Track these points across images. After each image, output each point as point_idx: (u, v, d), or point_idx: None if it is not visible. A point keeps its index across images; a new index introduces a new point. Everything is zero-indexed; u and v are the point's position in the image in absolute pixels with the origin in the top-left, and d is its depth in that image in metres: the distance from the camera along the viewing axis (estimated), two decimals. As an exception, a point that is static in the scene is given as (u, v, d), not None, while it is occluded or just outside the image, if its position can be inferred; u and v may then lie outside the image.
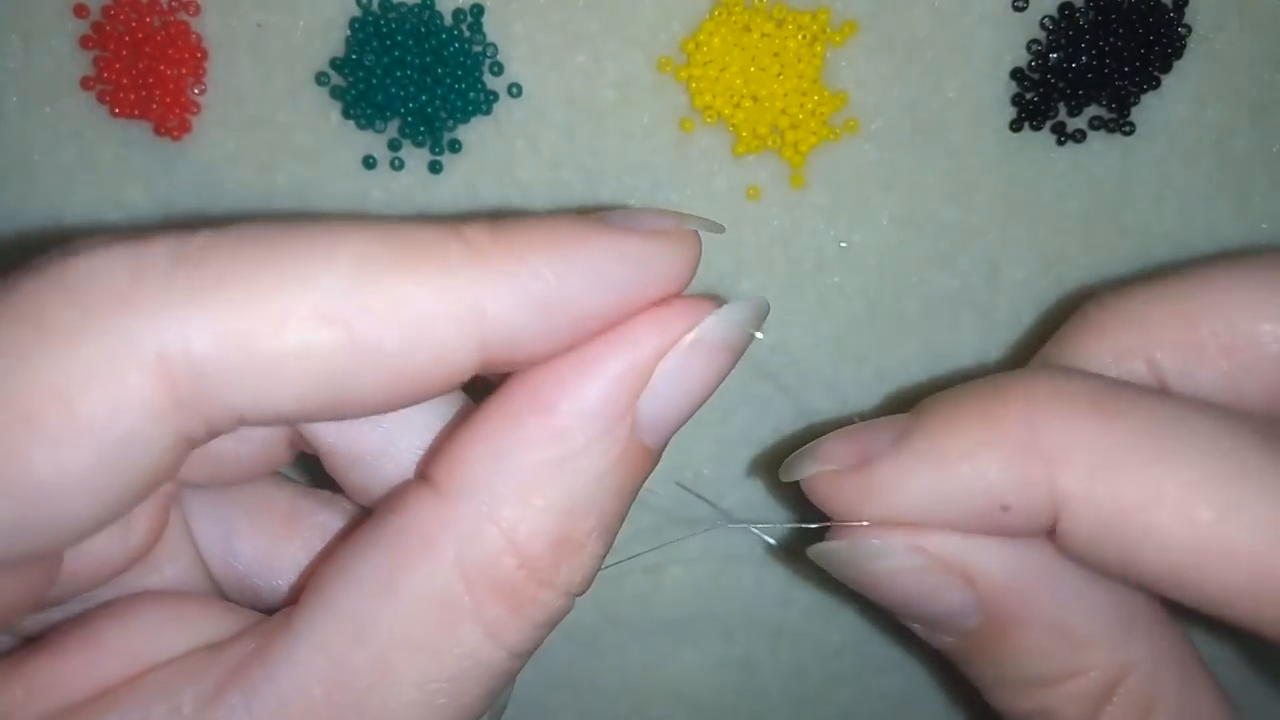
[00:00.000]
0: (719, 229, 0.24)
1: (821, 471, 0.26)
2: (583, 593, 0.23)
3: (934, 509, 0.24)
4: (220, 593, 0.25)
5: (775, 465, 0.36)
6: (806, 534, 0.28)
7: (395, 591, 0.21)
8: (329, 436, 0.24)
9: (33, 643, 0.21)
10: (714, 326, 0.23)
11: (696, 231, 0.23)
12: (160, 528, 0.23)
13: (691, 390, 0.22)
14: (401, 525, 0.21)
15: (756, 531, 0.36)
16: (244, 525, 0.26)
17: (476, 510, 0.21)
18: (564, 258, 0.20)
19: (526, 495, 0.21)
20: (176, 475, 0.20)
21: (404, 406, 0.20)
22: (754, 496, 0.36)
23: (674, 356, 0.22)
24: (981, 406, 0.24)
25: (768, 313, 0.24)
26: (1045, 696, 0.25)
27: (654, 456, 0.23)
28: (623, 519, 0.23)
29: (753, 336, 0.24)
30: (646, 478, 0.23)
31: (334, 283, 0.18)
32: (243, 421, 0.19)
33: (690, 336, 0.22)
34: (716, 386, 0.23)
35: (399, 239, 0.19)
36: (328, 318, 0.18)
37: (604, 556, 0.23)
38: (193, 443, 0.19)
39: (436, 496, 0.21)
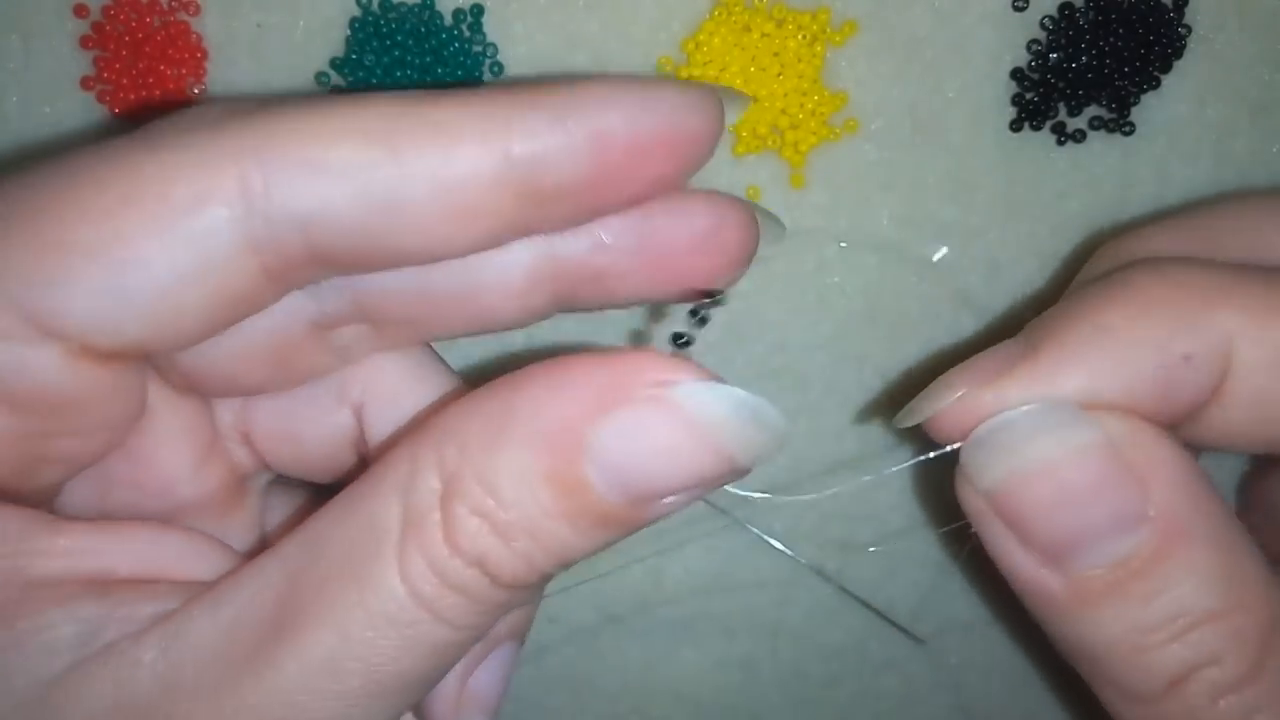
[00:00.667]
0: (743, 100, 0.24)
1: (955, 400, 0.23)
2: (509, 597, 0.22)
3: (1102, 384, 0.22)
4: None
5: (775, 465, 0.36)
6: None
7: (333, 533, 0.21)
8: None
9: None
10: (690, 393, 0.21)
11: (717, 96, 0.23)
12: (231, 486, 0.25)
13: (648, 454, 0.21)
14: (357, 487, 0.22)
15: (756, 531, 0.36)
16: None
17: (428, 464, 0.21)
18: (591, 97, 0.21)
19: (478, 475, 0.21)
20: (260, 304, 0.22)
21: (448, 252, 0.21)
22: (754, 496, 0.36)
23: (631, 406, 0.21)
24: (1131, 289, 0.23)
25: (779, 435, 0.22)
26: (1204, 638, 0.22)
27: (608, 510, 0.21)
28: (568, 554, 0.22)
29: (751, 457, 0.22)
30: (606, 532, 0.22)
31: (377, 112, 0.21)
32: (312, 247, 0.21)
33: (654, 391, 0.21)
34: (691, 477, 0.21)
35: (436, 93, 0.22)
36: (372, 136, 0.21)
37: (534, 579, 0.22)
38: (267, 269, 0.21)
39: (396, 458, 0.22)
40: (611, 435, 0.21)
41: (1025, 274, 0.35)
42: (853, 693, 0.38)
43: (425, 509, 0.21)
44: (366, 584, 0.21)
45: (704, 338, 0.35)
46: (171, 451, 0.25)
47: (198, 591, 0.22)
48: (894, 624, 0.37)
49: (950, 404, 0.23)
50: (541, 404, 0.21)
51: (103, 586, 0.22)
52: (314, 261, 0.22)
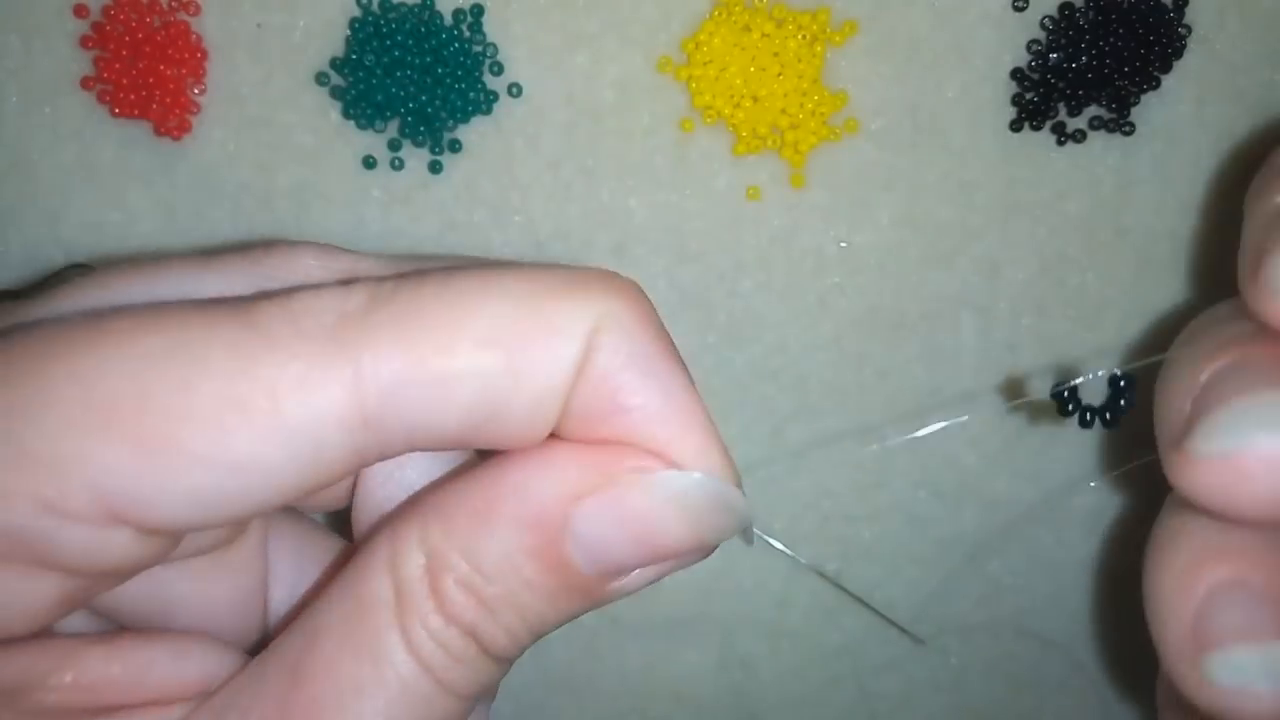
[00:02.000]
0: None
1: None
2: (497, 669, 0.22)
3: None
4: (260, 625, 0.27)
5: (775, 465, 0.36)
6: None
7: (327, 620, 0.22)
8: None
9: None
10: (668, 477, 0.22)
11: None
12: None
13: (627, 532, 0.21)
14: (345, 573, 0.22)
15: (756, 531, 0.36)
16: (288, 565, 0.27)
17: (410, 541, 0.22)
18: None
19: (462, 550, 0.21)
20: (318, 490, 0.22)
21: (541, 434, 0.22)
22: (754, 496, 0.36)
23: (613, 487, 0.21)
24: None
25: (744, 518, 0.23)
26: None
27: (585, 585, 0.22)
28: (544, 627, 0.22)
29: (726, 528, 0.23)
30: (579, 605, 0.22)
31: (496, 312, 0.20)
32: (412, 444, 0.21)
33: (634, 474, 0.21)
34: (665, 554, 0.22)
35: (552, 276, 0.21)
36: (489, 342, 0.20)
37: (515, 651, 0.22)
38: (363, 461, 0.21)
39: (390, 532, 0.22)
40: (594, 513, 0.21)
41: (1025, 274, 0.35)
42: (853, 693, 0.38)
43: (414, 582, 0.21)
44: (375, 659, 0.21)
45: (704, 339, 0.35)
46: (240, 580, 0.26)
47: (200, 701, 0.22)
48: (894, 624, 0.37)
49: None
50: (526, 484, 0.22)
51: (108, 715, 0.21)
52: (409, 448, 0.22)
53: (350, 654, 0.21)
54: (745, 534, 0.24)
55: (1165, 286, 0.35)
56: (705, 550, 0.23)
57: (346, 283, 0.21)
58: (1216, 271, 0.35)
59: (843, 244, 0.35)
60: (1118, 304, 0.35)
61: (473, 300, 0.20)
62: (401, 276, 0.21)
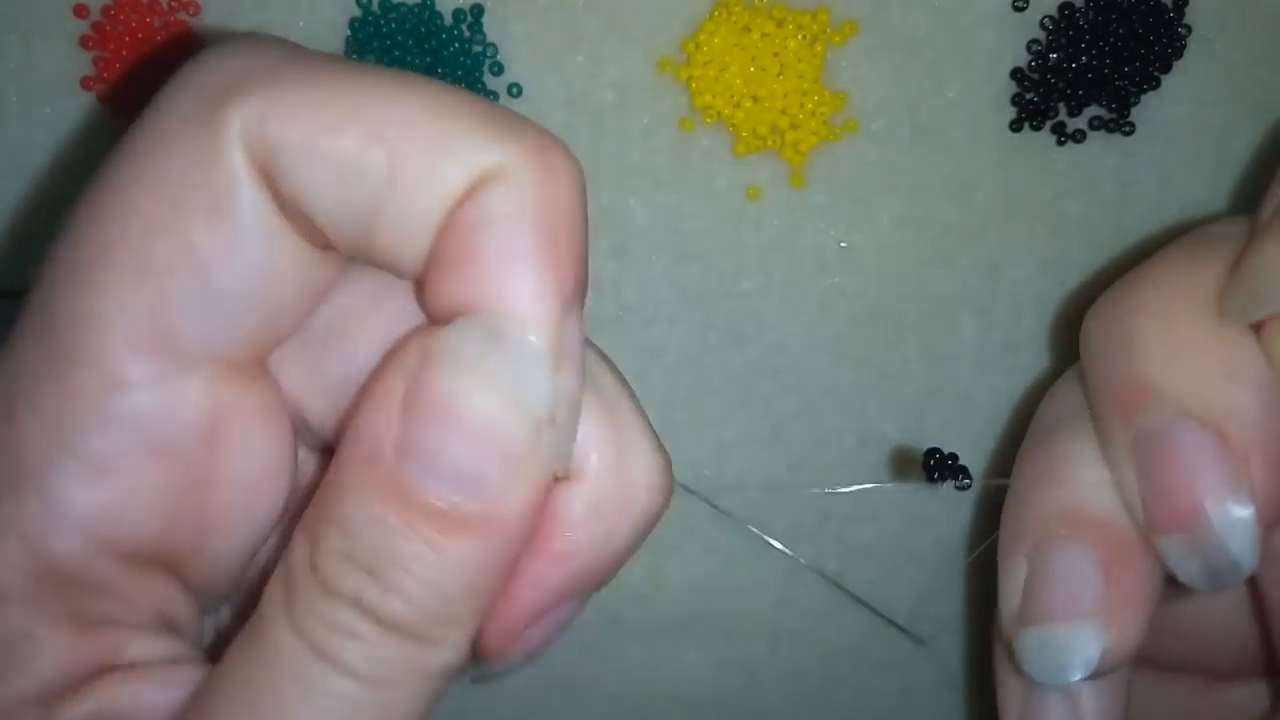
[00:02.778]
0: None
1: None
2: (414, 650, 0.20)
3: None
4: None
5: (775, 465, 0.36)
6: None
7: (236, 644, 0.21)
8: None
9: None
10: (435, 354, 0.19)
11: None
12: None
13: (448, 439, 0.19)
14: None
15: (756, 531, 0.36)
16: None
17: (296, 541, 0.20)
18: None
19: (317, 509, 0.20)
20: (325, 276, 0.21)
21: (414, 256, 0.20)
22: (754, 496, 0.36)
23: (405, 405, 0.19)
24: None
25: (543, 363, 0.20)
26: None
27: (450, 512, 0.19)
28: (441, 579, 0.20)
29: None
30: (462, 542, 0.20)
31: (398, 113, 0.20)
32: (300, 202, 0.20)
33: (415, 351, 0.19)
34: (505, 421, 0.19)
35: (479, 105, 0.20)
36: (376, 138, 0.19)
37: (418, 619, 0.20)
38: (290, 214, 0.20)
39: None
40: (410, 420, 0.19)
41: (1025, 274, 0.35)
42: (853, 693, 0.38)
43: (299, 570, 0.20)
44: (265, 651, 0.20)
45: (704, 339, 0.35)
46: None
47: None
48: (894, 624, 0.37)
49: None
50: (354, 428, 0.20)
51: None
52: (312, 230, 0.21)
53: (247, 652, 0.20)
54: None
55: (1165, 286, 0.35)
56: (545, 428, 0.20)
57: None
58: (1216, 271, 0.35)
59: (843, 244, 0.35)
60: (1118, 304, 0.35)
61: (384, 94, 0.20)
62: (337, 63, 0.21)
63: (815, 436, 0.36)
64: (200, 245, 0.20)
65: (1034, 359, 0.36)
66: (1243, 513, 0.22)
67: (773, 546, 0.36)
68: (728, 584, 0.37)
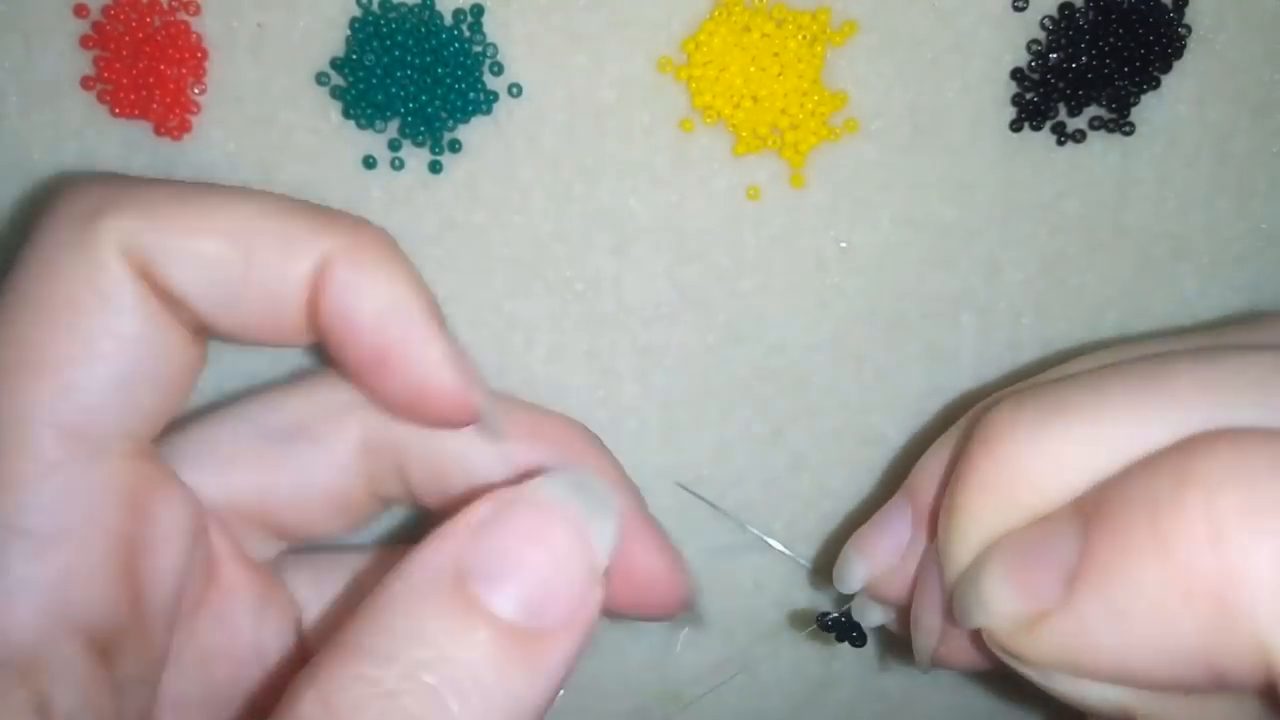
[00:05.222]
0: None
1: (994, 625, 0.22)
2: None
3: (1129, 674, 0.20)
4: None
5: (775, 465, 0.36)
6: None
7: None
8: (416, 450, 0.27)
9: None
10: (528, 489, 0.22)
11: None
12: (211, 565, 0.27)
13: (525, 557, 0.21)
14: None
15: (755, 532, 0.36)
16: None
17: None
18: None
19: (339, 644, 0.21)
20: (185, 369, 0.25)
21: (278, 336, 0.25)
22: (754, 496, 0.36)
23: (488, 508, 0.22)
24: (1153, 519, 0.18)
25: (614, 508, 0.23)
26: None
27: (518, 640, 0.21)
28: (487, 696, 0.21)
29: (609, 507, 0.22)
30: (515, 663, 0.21)
31: (242, 218, 0.25)
32: (176, 294, 0.24)
33: (496, 503, 0.22)
34: (575, 559, 0.22)
35: (297, 205, 0.25)
36: (230, 237, 0.24)
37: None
38: (161, 304, 0.24)
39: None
40: (482, 545, 0.21)
41: (1025, 274, 0.35)
42: (853, 693, 0.38)
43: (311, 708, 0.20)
44: None
45: (704, 339, 0.35)
46: (246, 612, 0.27)
47: None
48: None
49: (996, 628, 0.22)
50: (424, 562, 0.22)
51: None
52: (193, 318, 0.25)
53: None
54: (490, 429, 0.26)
55: (1165, 286, 0.35)
56: (597, 555, 0.22)
57: None
58: (1216, 271, 0.35)
59: (843, 244, 0.35)
60: (1118, 304, 0.35)
61: (231, 204, 0.25)
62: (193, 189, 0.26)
63: (815, 436, 0.36)
64: (95, 339, 0.24)
65: (1034, 359, 0.36)
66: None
67: (773, 547, 0.36)
68: (728, 584, 0.37)
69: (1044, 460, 0.21)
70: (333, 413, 0.28)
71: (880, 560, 0.28)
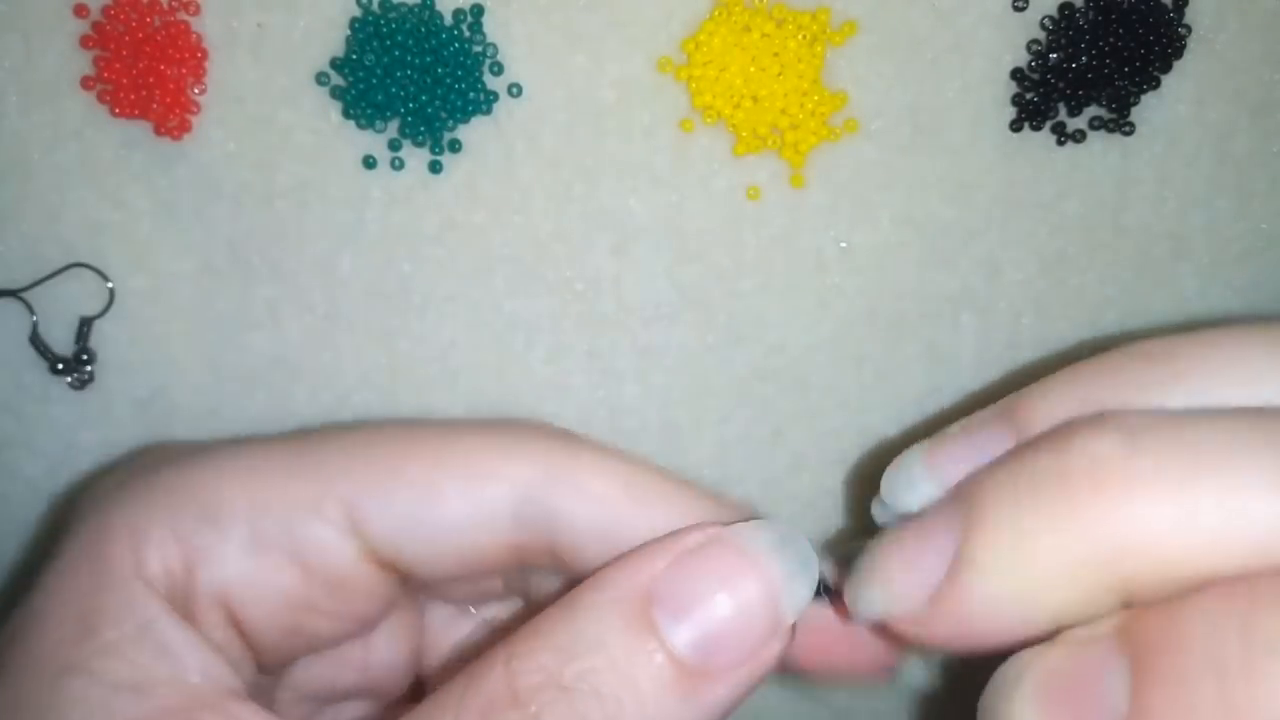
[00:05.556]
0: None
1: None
2: None
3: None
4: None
5: (775, 465, 0.36)
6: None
7: None
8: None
9: None
10: (732, 531, 0.23)
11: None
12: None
13: (711, 598, 0.22)
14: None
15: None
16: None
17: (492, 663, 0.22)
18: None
19: (533, 629, 0.22)
20: (501, 565, 0.26)
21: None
22: (754, 496, 0.36)
23: (696, 539, 0.23)
24: (1220, 680, 0.16)
25: (814, 568, 0.23)
26: None
27: (684, 675, 0.22)
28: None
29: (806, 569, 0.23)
30: (673, 702, 0.22)
31: (631, 467, 0.26)
32: (549, 544, 0.25)
33: (699, 538, 0.23)
34: (759, 611, 0.22)
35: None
36: (623, 482, 0.25)
37: None
38: (515, 545, 0.25)
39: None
40: (678, 577, 0.22)
41: (1025, 274, 0.35)
42: (853, 693, 0.38)
43: (488, 679, 0.22)
44: None
45: (704, 339, 0.35)
46: (394, 648, 0.29)
47: None
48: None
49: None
50: (605, 574, 0.23)
51: None
52: (539, 553, 0.25)
53: None
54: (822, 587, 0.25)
55: (1165, 286, 0.35)
56: (785, 615, 0.23)
57: None
58: (1216, 271, 0.35)
59: (843, 244, 0.35)
60: (1118, 304, 0.35)
61: (616, 455, 0.26)
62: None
63: (815, 436, 0.36)
64: (447, 498, 0.25)
65: (1034, 359, 0.36)
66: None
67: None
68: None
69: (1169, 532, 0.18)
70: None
71: (952, 478, 0.23)
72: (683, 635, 0.22)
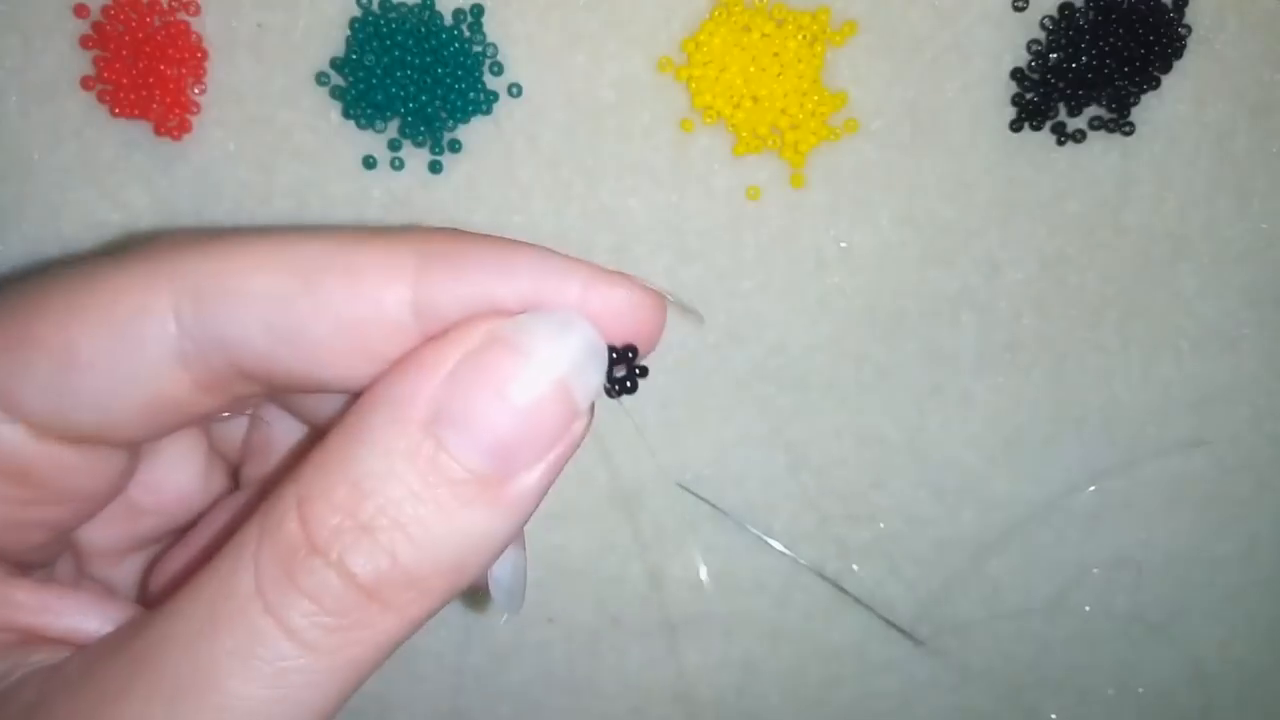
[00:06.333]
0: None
1: None
2: (379, 616, 0.21)
3: None
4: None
5: (775, 465, 0.36)
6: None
7: (200, 577, 0.21)
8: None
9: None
10: (511, 328, 0.21)
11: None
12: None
13: (498, 406, 0.20)
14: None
15: (755, 532, 0.36)
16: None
17: (284, 488, 0.21)
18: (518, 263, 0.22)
19: (321, 466, 0.21)
20: (197, 412, 0.23)
21: (351, 385, 0.22)
22: (754, 496, 0.36)
23: (460, 366, 0.21)
24: None
25: (600, 350, 0.21)
26: None
27: (485, 485, 0.21)
28: (439, 547, 0.21)
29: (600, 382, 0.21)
30: (483, 514, 0.21)
31: (299, 250, 0.22)
32: (232, 360, 0.22)
33: (477, 339, 0.21)
34: (551, 408, 0.21)
35: (363, 237, 0.23)
36: (289, 270, 0.22)
37: (401, 582, 0.21)
38: (198, 382, 0.22)
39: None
40: (459, 386, 0.21)
41: (1025, 274, 0.35)
42: (853, 693, 0.38)
43: (280, 523, 0.21)
44: (219, 596, 0.20)
45: (704, 339, 0.35)
46: (182, 474, 0.27)
47: (77, 651, 0.23)
48: (893, 624, 0.37)
49: None
50: (388, 387, 0.21)
51: (26, 636, 0.23)
52: (240, 379, 0.23)
53: (206, 600, 0.21)
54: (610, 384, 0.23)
55: (1165, 286, 0.35)
56: (580, 403, 0.21)
57: None
58: (1216, 271, 0.35)
59: (843, 244, 0.35)
60: (1117, 304, 0.35)
61: (291, 241, 0.22)
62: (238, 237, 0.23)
63: (815, 436, 0.36)
64: (89, 355, 0.22)
65: (1034, 359, 0.36)
66: None
67: (773, 547, 0.36)
68: (727, 584, 0.37)
69: None
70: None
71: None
72: (476, 448, 0.20)
